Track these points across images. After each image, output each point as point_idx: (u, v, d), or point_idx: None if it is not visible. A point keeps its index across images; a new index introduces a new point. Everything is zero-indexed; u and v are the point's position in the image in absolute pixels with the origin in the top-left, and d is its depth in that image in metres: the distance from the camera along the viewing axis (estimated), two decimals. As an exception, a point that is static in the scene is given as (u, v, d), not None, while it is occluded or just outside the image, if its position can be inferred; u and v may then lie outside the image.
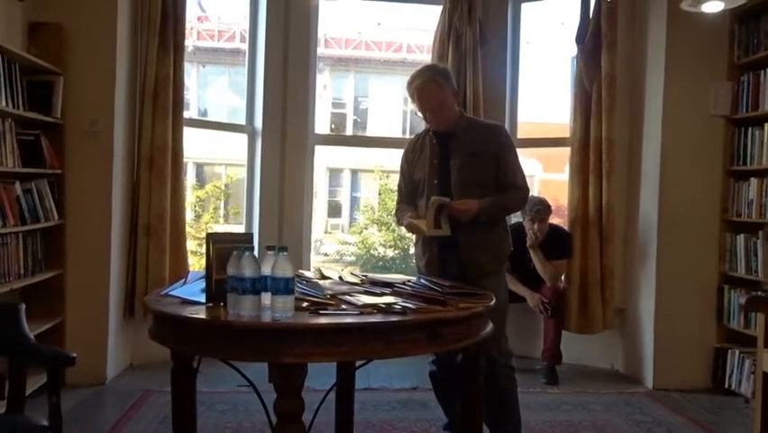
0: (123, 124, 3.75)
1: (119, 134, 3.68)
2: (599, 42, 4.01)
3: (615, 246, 4.05)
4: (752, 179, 3.65)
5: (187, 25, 4.09)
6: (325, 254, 10.09)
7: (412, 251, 2.78)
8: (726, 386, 3.71)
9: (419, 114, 2.59)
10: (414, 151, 2.68)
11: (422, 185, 2.60)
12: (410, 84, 2.53)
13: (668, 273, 3.84)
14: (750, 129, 3.70)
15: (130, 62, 3.81)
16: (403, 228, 2.85)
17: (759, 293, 3.34)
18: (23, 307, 2.13)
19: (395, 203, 2.83)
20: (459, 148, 2.54)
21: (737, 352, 3.67)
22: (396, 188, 2.87)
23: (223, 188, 9.79)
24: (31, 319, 2.18)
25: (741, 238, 3.72)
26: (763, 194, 3.56)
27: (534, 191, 6.89)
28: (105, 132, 3.60)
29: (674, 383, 3.81)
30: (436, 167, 2.57)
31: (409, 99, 2.61)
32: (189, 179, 9.54)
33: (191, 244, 5.25)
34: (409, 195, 2.68)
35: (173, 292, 2.05)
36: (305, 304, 1.85)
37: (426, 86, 2.50)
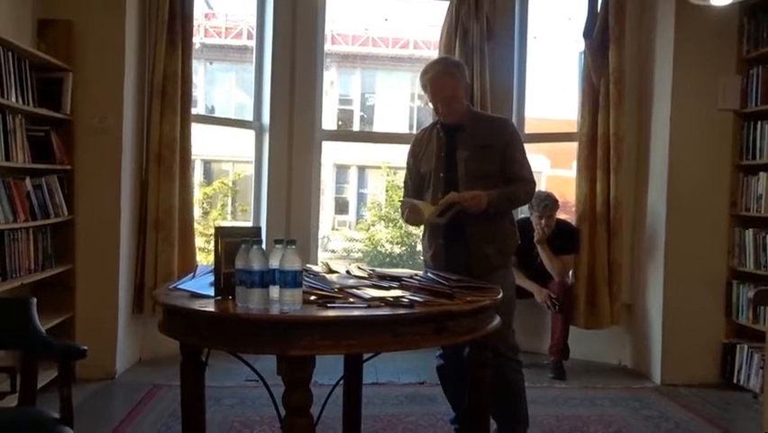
0: (132, 120, 3.77)
1: (128, 130, 3.70)
2: (607, 37, 4.00)
3: (622, 241, 4.04)
4: (761, 173, 3.64)
5: (195, 22, 4.10)
6: (332, 251, 10.11)
7: (419, 247, 2.79)
8: (735, 381, 3.70)
9: (430, 105, 2.59)
10: (420, 144, 2.69)
11: (428, 178, 2.61)
12: (424, 75, 2.54)
13: (676, 268, 3.83)
14: (759, 123, 3.68)
15: (138, 59, 3.83)
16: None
17: (768, 288, 3.33)
18: (35, 300, 2.15)
19: (401, 199, 2.83)
20: (466, 140, 2.55)
21: (746, 347, 3.66)
22: (402, 184, 2.88)
23: (230, 184, 9.82)
24: (41, 314, 2.19)
25: (750, 233, 3.70)
26: (772, 188, 3.55)
27: (542, 187, 6.85)
28: (114, 128, 3.62)
29: (682, 379, 3.80)
30: (443, 159, 2.57)
31: (421, 90, 2.61)
32: (197, 176, 9.57)
33: (199, 241, 5.26)
34: (415, 189, 2.68)
35: (182, 286, 2.06)
36: (313, 297, 1.86)
37: (440, 77, 2.50)
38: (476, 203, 2.41)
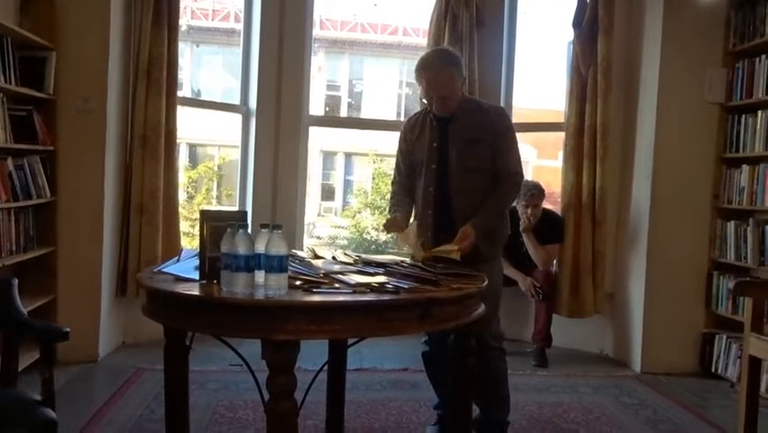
0: (117, 101, 3.72)
1: (112, 112, 3.65)
2: (596, 27, 4.00)
3: (607, 231, 4.08)
4: (744, 166, 3.68)
5: (181, 4, 4.04)
6: (318, 237, 10.09)
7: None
8: (713, 370, 3.77)
9: (425, 100, 2.56)
10: (413, 130, 2.67)
11: (420, 167, 2.60)
12: (420, 70, 2.49)
13: (658, 259, 3.87)
14: (744, 116, 3.72)
15: (123, 39, 3.77)
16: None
17: (748, 279, 3.38)
18: (16, 281, 2.12)
19: (391, 182, 2.80)
20: (458, 133, 2.54)
21: (725, 337, 3.72)
22: (390, 170, 2.85)
23: (215, 169, 9.75)
24: (23, 296, 2.17)
25: (732, 225, 3.75)
26: (754, 181, 3.59)
27: (528, 177, 6.90)
28: (98, 109, 3.57)
29: (662, 367, 3.85)
30: (435, 151, 2.57)
31: (413, 79, 2.58)
32: (182, 159, 9.48)
33: (183, 226, 5.23)
34: (408, 170, 2.68)
35: (166, 269, 2.04)
36: (298, 282, 1.86)
37: (438, 76, 2.47)
38: (468, 244, 2.38)
